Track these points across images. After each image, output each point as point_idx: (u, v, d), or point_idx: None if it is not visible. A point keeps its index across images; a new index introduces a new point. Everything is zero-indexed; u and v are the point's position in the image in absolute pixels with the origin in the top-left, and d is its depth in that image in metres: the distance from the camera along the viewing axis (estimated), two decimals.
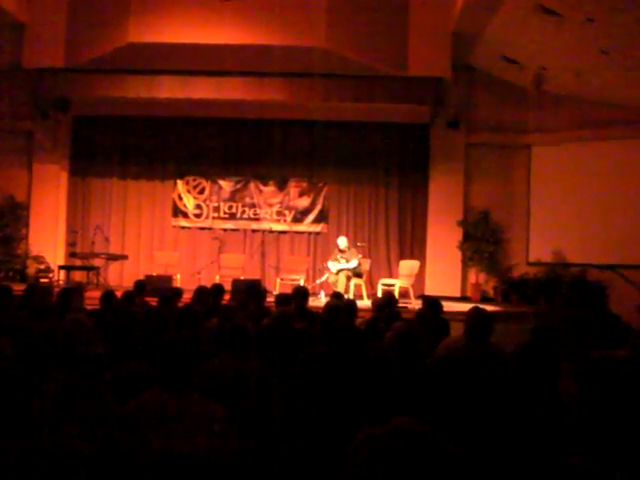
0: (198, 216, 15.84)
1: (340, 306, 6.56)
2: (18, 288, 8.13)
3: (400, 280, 13.49)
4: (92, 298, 8.32)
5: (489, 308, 6.60)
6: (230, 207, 15.81)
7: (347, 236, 14.02)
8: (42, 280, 13.60)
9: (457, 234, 14.74)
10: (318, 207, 15.67)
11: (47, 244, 14.95)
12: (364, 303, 11.30)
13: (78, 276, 14.34)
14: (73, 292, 6.88)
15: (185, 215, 15.87)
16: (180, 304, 7.38)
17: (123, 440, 3.11)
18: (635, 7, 9.99)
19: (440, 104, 14.07)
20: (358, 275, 13.25)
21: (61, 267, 14.20)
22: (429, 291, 14.11)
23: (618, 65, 11.94)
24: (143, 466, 3.00)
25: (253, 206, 15.77)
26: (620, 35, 10.92)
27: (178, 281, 13.70)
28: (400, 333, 4.09)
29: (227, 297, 9.19)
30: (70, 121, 15.63)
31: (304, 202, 15.70)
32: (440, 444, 1.76)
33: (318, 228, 15.68)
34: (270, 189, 15.79)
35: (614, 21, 10.54)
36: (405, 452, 1.69)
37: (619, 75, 12.35)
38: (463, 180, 14.89)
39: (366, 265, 13.85)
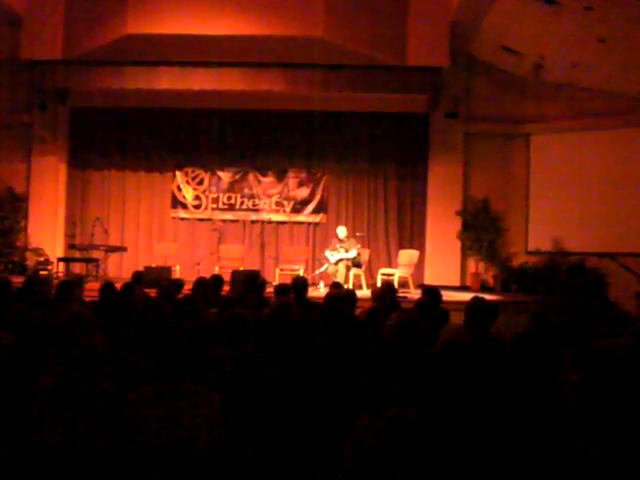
0: (197, 207, 15.84)
1: (340, 296, 6.56)
2: (17, 280, 8.13)
3: (399, 270, 13.50)
4: (91, 290, 8.33)
5: (488, 297, 6.59)
6: (229, 198, 15.80)
7: (346, 226, 14.02)
8: (41, 272, 13.58)
9: (456, 223, 14.73)
10: (317, 197, 15.67)
11: (46, 236, 14.95)
12: (363, 293, 11.31)
13: (77, 268, 14.34)
14: (72, 284, 6.87)
15: (184, 206, 15.87)
16: (180, 295, 7.39)
17: (123, 431, 3.11)
18: None
19: (439, 94, 14.06)
20: (357, 265, 13.26)
21: (60, 259, 14.18)
22: (428, 280, 14.10)
23: (617, 54, 11.92)
24: (143, 457, 3.01)
25: (252, 197, 15.77)
26: (618, 24, 10.90)
27: (177, 272, 13.70)
28: (399, 322, 4.09)
29: (226, 288, 9.19)
30: (69, 113, 15.60)
31: (303, 192, 15.70)
32: (437, 433, 1.76)
33: (317, 218, 15.67)
34: (269, 180, 15.79)
35: (612, 9, 10.52)
36: (401, 441, 1.69)
37: (618, 64, 12.33)
38: (462, 170, 14.88)
39: (365, 255, 13.86)
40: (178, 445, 3.04)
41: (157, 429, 3.08)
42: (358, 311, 6.69)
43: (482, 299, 5.36)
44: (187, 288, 8.30)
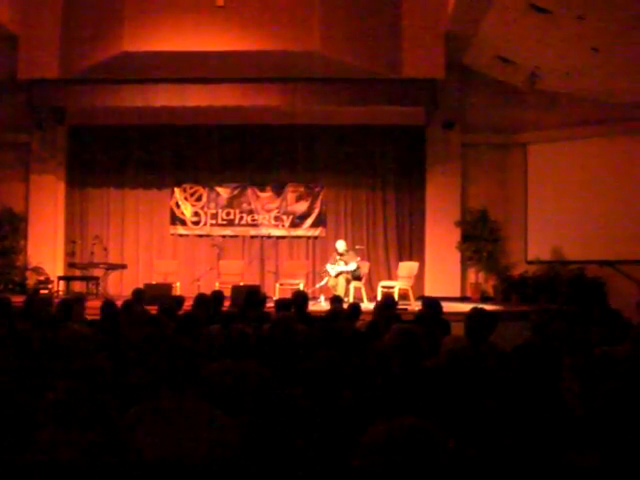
0: (196, 223, 15.84)
1: (341, 310, 6.58)
2: (18, 300, 8.13)
3: (399, 282, 13.48)
4: (92, 308, 8.32)
5: (489, 307, 6.60)
6: (228, 214, 15.81)
7: (345, 239, 14.04)
8: (42, 291, 13.57)
9: (455, 234, 14.75)
10: (316, 211, 15.68)
11: (46, 255, 14.93)
12: (364, 306, 11.27)
13: (78, 286, 14.30)
14: (73, 303, 6.88)
15: (183, 223, 15.87)
16: (181, 312, 7.38)
17: (123, 448, 3.11)
18: (624, 4, 10.02)
19: (435, 105, 14.07)
20: (357, 278, 13.25)
21: (60, 278, 14.19)
22: (429, 292, 14.11)
23: (610, 62, 11.96)
24: (144, 473, 3.00)
25: (251, 212, 15.78)
26: (610, 33, 10.94)
27: (178, 289, 13.68)
28: (399, 335, 4.09)
29: (227, 303, 9.19)
30: (66, 131, 15.63)
31: (302, 207, 15.71)
32: (443, 443, 1.77)
33: (316, 232, 15.68)
34: (267, 195, 15.80)
35: (604, 19, 10.57)
36: (408, 451, 1.70)
37: (611, 72, 12.37)
38: (460, 180, 14.91)
39: (365, 268, 13.84)
40: (179, 462, 3.03)
41: (158, 446, 3.08)
42: (359, 324, 6.70)
43: (481, 309, 5.37)
44: (188, 304, 8.30)
